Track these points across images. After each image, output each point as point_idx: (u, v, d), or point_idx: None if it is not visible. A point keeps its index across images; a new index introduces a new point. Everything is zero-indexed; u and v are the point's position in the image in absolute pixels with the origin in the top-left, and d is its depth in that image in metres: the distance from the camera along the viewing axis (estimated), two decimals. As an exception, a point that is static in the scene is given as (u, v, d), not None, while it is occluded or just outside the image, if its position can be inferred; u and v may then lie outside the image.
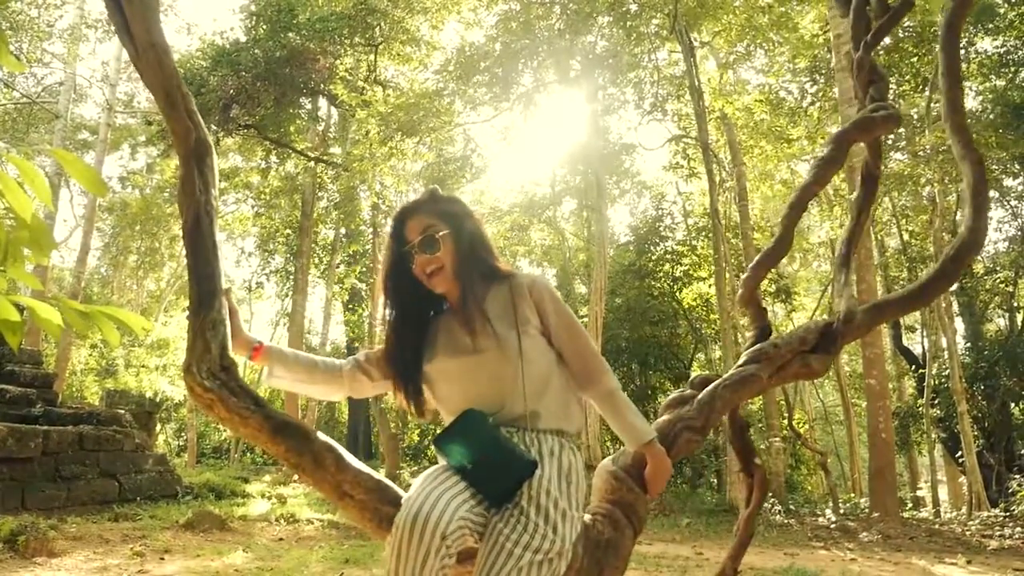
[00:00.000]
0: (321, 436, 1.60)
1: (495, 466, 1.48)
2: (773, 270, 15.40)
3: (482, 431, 1.53)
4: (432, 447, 1.65)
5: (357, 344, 21.15)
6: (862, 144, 2.37)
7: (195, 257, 1.65)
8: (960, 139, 2.08)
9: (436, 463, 1.65)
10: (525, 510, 1.44)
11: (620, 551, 1.63)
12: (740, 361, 2.01)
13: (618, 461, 1.76)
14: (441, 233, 1.67)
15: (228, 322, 1.66)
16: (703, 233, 16.69)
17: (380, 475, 1.64)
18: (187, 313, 1.68)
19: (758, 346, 2.02)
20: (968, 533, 8.95)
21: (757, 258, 2.27)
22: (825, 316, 2.17)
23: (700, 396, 1.91)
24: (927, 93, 12.57)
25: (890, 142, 12.93)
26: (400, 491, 1.59)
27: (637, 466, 1.72)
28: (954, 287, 14.56)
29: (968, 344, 14.41)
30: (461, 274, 1.67)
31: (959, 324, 14.92)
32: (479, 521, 1.45)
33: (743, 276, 2.28)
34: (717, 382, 1.94)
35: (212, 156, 1.73)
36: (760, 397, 15.28)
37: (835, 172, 2.26)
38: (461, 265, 1.68)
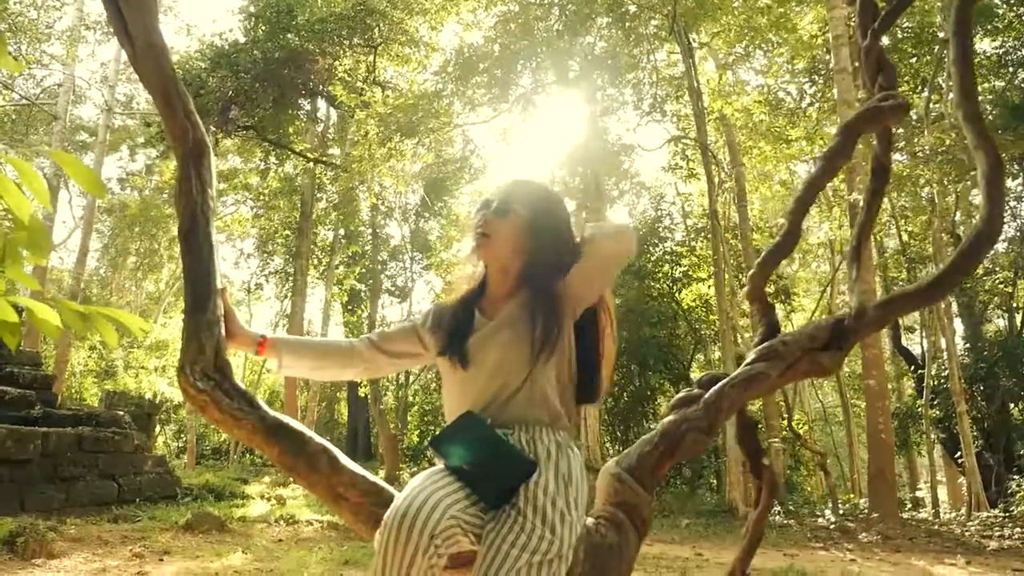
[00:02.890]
0: (316, 438, 1.57)
1: (493, 467, 1.43)
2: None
3: (480, 432, 1.49)
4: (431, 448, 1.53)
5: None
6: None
7: (191, 257, 1.65)
8: (973, 128, 1.94)
9: (435, 463, 1.59)
10: (522, 510, 1.39)
11: (624, 555, 1.57)
12: (748, 359, 1.88)
13: (622, 463, 1.69)
14: (516, 212, 1.61)
15: (223, 323, 1.65)
16: (702, 234, 16.68)
17: (377, 478, 1.60)
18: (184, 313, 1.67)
19: (767, 343, 1.89)
20: (967, 534, 8.95)
21: (764, 253, 2.12)
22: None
23: (707, 396, 1.80)
24: (926, 94, 12.58)
25: (889, 143, 12.90)
26: (397, 493, 1.54)
27: (641, 468, 1.65)
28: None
29: (967, 345, 14.41)
30: (533, 260, 1.61)
31: (958, 325, 14.92)
32: (475, 522, 1.39)
33: (750, 272, 2.14)
34: (724, 381, 1.82)
35: (210, 156, 1.73)
36: (759, 398, 15.31)
37: (844, 164, 2.14)
38: (535, 255, 1.60)
